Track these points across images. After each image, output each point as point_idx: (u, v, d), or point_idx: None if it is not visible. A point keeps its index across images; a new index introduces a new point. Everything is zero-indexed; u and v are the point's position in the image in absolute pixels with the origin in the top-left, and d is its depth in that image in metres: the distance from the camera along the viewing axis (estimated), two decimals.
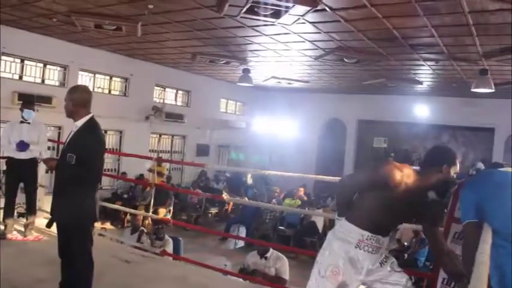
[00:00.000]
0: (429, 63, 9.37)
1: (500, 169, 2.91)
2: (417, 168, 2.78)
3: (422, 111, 14.93)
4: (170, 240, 7.17)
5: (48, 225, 5.07)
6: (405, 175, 2.61)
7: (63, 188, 3.40)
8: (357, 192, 2.80)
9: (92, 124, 3.48)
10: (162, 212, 10.85)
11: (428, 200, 2.68)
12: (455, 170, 2.69)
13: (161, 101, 14.02)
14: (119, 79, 12.75)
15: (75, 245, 3.37)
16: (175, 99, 14.94)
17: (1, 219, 5.81)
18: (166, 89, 14.46)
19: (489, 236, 2.44)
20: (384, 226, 2.71)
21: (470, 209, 2.60)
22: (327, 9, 6.28)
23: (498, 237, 2.50)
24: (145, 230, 7.66)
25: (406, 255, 7.76)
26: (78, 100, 3.46)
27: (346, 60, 9.47)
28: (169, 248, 6.98)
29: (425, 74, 10.87)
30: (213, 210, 13.66)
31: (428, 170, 2.70)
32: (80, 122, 3.44)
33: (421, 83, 12.00)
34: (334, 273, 2.63)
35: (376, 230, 2.68)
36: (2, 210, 5.84)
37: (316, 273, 2.72)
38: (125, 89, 12.88)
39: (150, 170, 11.76)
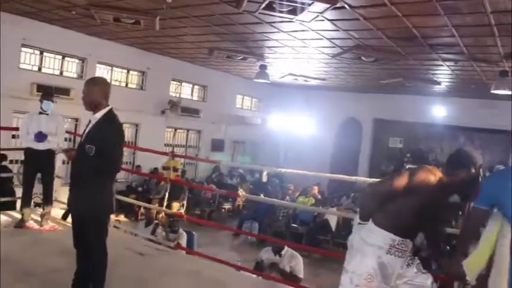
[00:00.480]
0: (448, 63, 9.26)
1: None
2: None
3: (439, 112, 14.79)
4: (184, 233, 7.20)
5: (64, 216, 5.15)
6: (437, 180, 2.61)
7: (81, 180, 3.40)
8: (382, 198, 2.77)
9: (111, 116, 3.47)
10: (175, 206, 10.90)
11: (450, 203, 2.69)
12: (480, 174, 2.70)
13: (177, 95, 14.07)
14: (136, 72, 12.82)
15: (91, 236, 3.39)
16: (192, 94, 14.98)
17: (18, 209, 5.88)
18: (183, 84, 14.51)
19: (509, 230, 2.42)
20: (414, 230, 2.73)
21: (484, 196, 2.64)
22: (346, 6, 6.24)
23: None
24: (160, 223, 7.69)
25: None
26: (98, 92, 3.45)
27: (364, 59, 9.39)
28: (183, 242, 7.02)
29: (443, 74, 10.75)
30: (227, 206, 13.70)
31: (453, 173, 2.69)
32: (99, 114, 3.43)
33: (439, 83, 11.87)
34: (368, 280, 2.61)
35: (406, 235, 2.68)
36: (19, 200, 5.90)
37: (348, 283, 2.69)
38: (142, 83, 12.96)
39: (164, 168, 11.88)
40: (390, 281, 2.66)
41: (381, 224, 2.68)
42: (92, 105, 3.45)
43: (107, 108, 3.46)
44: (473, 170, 2.66)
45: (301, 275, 5.86)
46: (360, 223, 2.79)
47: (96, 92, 3.45)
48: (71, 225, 3.59)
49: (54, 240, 5.10)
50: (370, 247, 2.66)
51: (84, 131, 3.52)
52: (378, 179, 2.97)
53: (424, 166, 2.74)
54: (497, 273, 2.35)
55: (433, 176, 2.61)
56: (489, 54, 8.04)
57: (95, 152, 3.29)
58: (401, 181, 2.67)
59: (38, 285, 3.79)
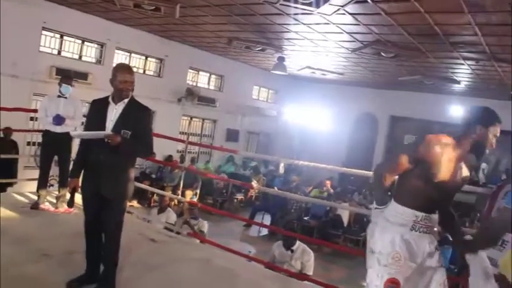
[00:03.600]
0: (469, 62, 9.14)
1: None
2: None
3: (457, 112, 14.62)
4: (205, 221, 7.37)
5: (70, 204, 5.21)
6: (443, 144, 2.55)
7: (115, 163, 3.47)
8: (399, 175, 2.74)
9: (138, 102, 3.59)
10: (188, 194, 10.96)
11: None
12: (494, 132, 2.60)
13: (194, 83, 14.09)
14: (154, 59, 12.86)
15: (118, 218, 3.54)
16: (208, 83, 14.99)
17: (35, 190, 5.96)
18: (200, 72, 14.52)
19: None
20: (434, 202, 2.65)
21: None
22: (369, 0, 6.18)
23: None
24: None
25: None
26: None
27: (383, 55, 9.32)
28: (205, 228, 7.22)
29: (463, 73, 10.62)
30: (239, 196, 13.73)
31: (462, 133, 2.63)
32: (127, 100, 3.52)
33: (458, 82, 11.73)
34: (395, 259, 2.57)
35: (428, 209, 2.63)
36: (36, 181, 5.98)
37: (376, 264, 2.63)
38: (160, 70, 13.00)
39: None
40: (417, 258, 2.62)
41: (402, 201, 2.65)
42: (130, 93, 3.53)
43: (131, 94, 3.55)
44: (479, 127, 2.57)
45: (310, 272, 5.86)
46: (376, 207, 2.76)
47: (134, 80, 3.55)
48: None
49: (69, 222, 5.15)
50: (394, 226, 2.64)
51: (102, 115, 3.53)
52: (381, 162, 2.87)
53: (425, 135, 2.65)
54: None
55: (437, 140, 2.56)
56: (511, 55, 7.92)
57: (130, 136, 3.43)
58: (406, 155, 2.63)
59: (53, 265, 3.84)
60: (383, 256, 2.60)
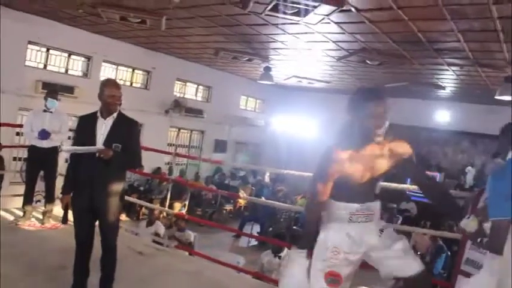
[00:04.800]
0: (453, 68, 9.23)
1: None
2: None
3: (443, 117, 14.76)
4: (191, 233, 7.32)
5: (64, 220, 5.17)
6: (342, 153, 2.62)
7: (107, 177, 3.53)
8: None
9: (125, 116, 3.67)
10: (177, 206, 10.92)
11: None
12: (375, 111, 2.67)
13: (182, 95, 14.08)
14: (141, 72, 12.83)
15: (114, 231, 3.63)
16: (196, 94, 14.98)
17: (21, 206, 5.90)
18: (187, 84, 14.52)
19: None
20: (364, 192, 2.68)
21: (500, 202, 2.22)
22: (353, 9, 6.22)
23: None
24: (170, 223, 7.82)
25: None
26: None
27: (369, 62, 9.38)
28: (192, 238, 7.17)
29: (448, 79, 10.72)
30: (228, 207, 13.67)
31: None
32: (115, 114, 3.60)
33: (443, 88, 11.83)
34: (334, 253, 2.61)
35: (361, 199, 2.67)
36: (22, 197, 5.92)
37: (316, 259, 2.66)
38: (147, 82, 12.97)
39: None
40: (361, 248, 2.66)
41: (336, 197, 2.66)
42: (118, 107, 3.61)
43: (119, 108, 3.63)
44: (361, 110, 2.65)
45: None
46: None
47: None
48: (71, 223, 3.62)
49: (57, 238, 5.11)
50: (332, 222, 2.67)
51: (91, 130, 3.56)
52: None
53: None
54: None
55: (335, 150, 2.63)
56: (494, 60, 8.01)
57: (120, 149, 3.51)
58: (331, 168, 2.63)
59: (41, 282, 3.80)
60: (322, 251, 2.64)
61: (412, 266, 2.67)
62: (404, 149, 2.84)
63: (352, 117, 2.73)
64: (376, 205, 2.75)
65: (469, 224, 2.53)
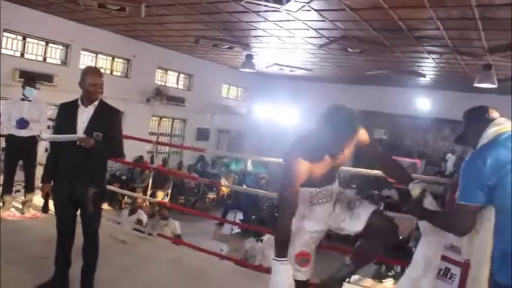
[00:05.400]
0: (433, 56, 9.33)
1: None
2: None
3: (424, 104, 14.92)
4: (175, 222, 7.32)
5: (44, 210, 5.11)
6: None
7: (88, 166, 3.48)
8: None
9: (107, 104, 3.62)
10: (159, 195, 10.90)
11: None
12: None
13: (163, 83, 13.99)
14: (121, 60, 12.71)
15: (97, 220, 3.61)
16: (177, 83, 14.90)
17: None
18: (168, 72, 14.42)
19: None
20: (322, 177, 2.79)
21: (473, 189, 2.24)
22: None
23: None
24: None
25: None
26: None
27: (350, 50, 9.42)
28: (176, 228, 7.17)
29: (428, 67, 10.83)
30: (211, 195, 13.68)
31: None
32: (97, 102, 3.54)
33: (424, 75, 11.95)
34: (300, 234, 2.81)
35: (320, 183, 2.81)
36: (0, 187, 5.85)
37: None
38: (127, 71, 12.85)
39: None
40: (324, 223, 2.90)
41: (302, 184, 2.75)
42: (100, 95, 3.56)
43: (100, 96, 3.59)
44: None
45: None
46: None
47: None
48: (53, 212, 3.60)
49: (37, 227, 5.07)
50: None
51: (72, 118, 3.52)
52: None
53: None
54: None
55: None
56: (473, 48, 8.11)
57: (101, 138, 3.45)
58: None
59: (22, 272, 3.77)
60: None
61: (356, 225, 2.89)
62: (363, 136, 3.01)
63: (324, 130, 2.71)
64: (335, 184, 2.94)
65: (414, 189, 2.74)
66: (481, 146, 2.40)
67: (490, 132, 2.43)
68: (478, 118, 2.55)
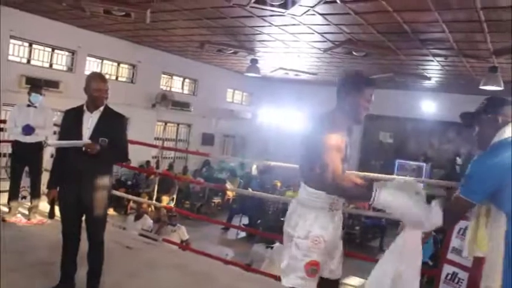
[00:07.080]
0: (438, 59, 9.29)
1: None
2: None
3: (429, 107, 14.86)
4: (183, 227, 7.32)
5: (51, 215, 5.12)
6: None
7: (95, 171, 3.50)
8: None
9: (112, 110, 3.63)
10: (165, 200, 10.89)
11: None
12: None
13: (168, 88, 14.02)
14: (126, 66, 12.74)
15: (102, 226, 3.61)
16: (182, 88, 14.92)
17: (6, 202, 5.84)
18: (174, 77, 14.45)
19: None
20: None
21: (478, 189, 2.28)
22: (338, 1, 6.22)
23: None
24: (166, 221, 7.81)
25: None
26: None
27: (355, 54, 9.40)
28: (184, 234, 7.17)
29: (433, 69, 10.79)
30: (216, 200, 13.67)
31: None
32: (102, 108, 3.56)
33: (429, 78, 11.91)
34: (315, 242, 2.61)
35: None
36: (7, 193, 5.86)
37: (295, 249, 2.65)
38: (132, 76, 12.88)
39: None
40: (338, 235, 2.76)
41: (317, 186, 2.66)
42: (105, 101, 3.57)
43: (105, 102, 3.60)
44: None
45: None
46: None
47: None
48: (59, 218, 3.60)
49: (43, 233, 5.08)
50: (312, 210, 2.67)
51: (78, 124, 3.53)
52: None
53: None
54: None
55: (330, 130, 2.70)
56: (479, 50, 8.07)
57: (107, 144, 3.47)
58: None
59: (28, 278, 3.77)
60: (302, 241, 2.63)
61: None
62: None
63: (345, 98, 2.82)
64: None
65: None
66: (492, 147, 2.40)
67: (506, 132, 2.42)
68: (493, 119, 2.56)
